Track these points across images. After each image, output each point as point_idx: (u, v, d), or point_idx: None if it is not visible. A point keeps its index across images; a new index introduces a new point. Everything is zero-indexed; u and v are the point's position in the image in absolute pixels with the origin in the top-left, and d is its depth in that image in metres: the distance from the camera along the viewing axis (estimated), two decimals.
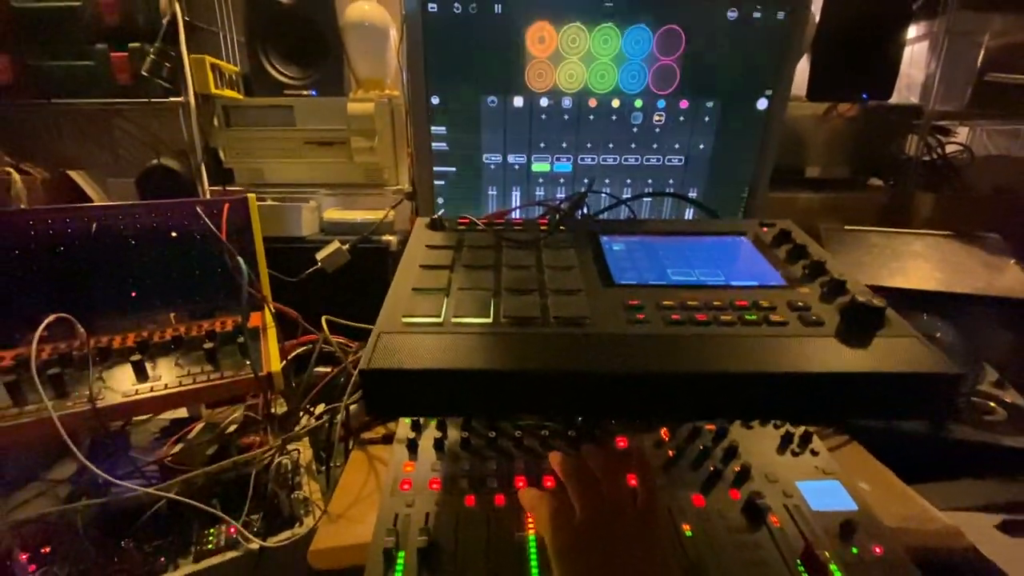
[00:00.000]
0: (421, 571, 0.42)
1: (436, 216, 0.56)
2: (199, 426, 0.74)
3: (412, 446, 0.55)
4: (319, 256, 0.97)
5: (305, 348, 0.76)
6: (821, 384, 0.37)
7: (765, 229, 0.57)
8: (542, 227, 0.57)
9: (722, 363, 0.37)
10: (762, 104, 0.68)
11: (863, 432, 0.69)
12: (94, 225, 0.69)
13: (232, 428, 0.73)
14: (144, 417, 0.76)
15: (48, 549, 0.55)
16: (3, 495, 0.62)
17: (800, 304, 0.43)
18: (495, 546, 0.44)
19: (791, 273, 0.49)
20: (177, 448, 0.69)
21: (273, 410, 0.74)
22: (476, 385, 0.37)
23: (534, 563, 0.43)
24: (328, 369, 0.75)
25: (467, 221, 0.57)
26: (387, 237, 1.08)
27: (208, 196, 1.12)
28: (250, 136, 1.10)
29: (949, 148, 1.36)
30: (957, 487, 0.65)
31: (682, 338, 0.39)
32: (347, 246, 0.97)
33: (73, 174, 1.21)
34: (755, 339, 0.39)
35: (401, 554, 0.43)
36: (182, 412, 0.78)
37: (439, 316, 0.41)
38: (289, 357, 0.74)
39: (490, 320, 0.41)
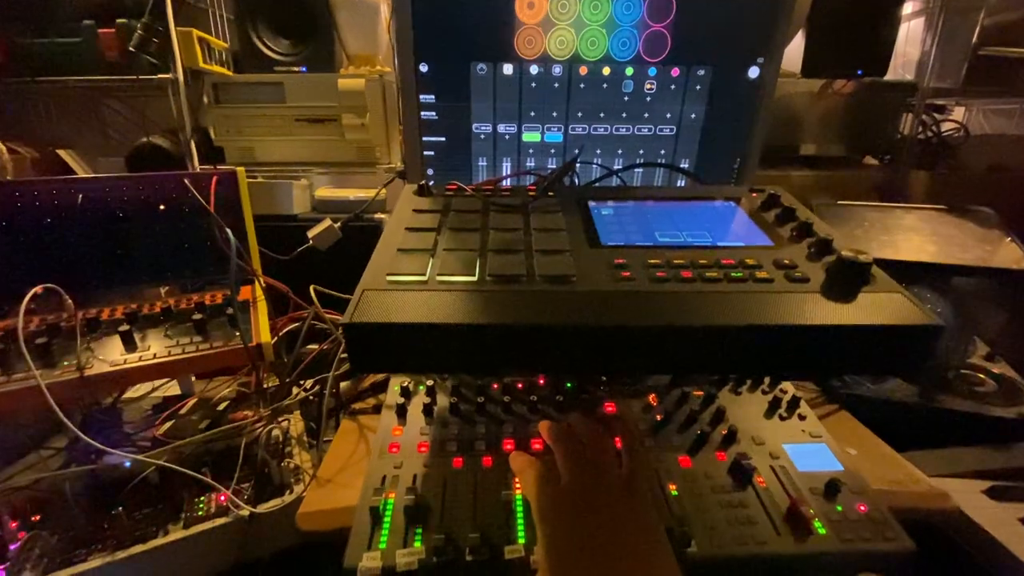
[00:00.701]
0: (408, 528, 0.43)
1: (423, 183, 0.56)
2: (191, 402, 0.74)
3: (401, 411, 0.55)
4: (311, 233, 0.96)
5: (297, 325, 0.75)
6: (806, 337, 0.37)
7: (755, 195, 0.56)
8: (531, 193, 0.56)
9: (707, 317, 0.37)
10: (754, 72, 0.68)
11: (853, 401, 0.70)
12: (80, 197, 0.68)
13: (224, 404, 0.73)
14: (137, 394, 0.76)
15: (38, 517, 0.55)
16: None
17: (786, 262, 0.43)
18: (482, 504, 0.45)
19: (779, 235, 0.49)
20: (169, 423, 0.69)
21: (265, 385, 0.74)
22: (460, 340, 0.37)
23: (520, 520, 0.43)
24: (317, 346, 0.75)
25: (455, 187, 0.56)
26: (379, 215, 1.07)
27: None
28: (240, 113, 1.09)
29: (945, 127, 1.36)
30: (946, 454, 0.66)
31: (667, 294, 0.39)
32: (339, 224, 0.97)
33: (62, 153, 1.20)
34: (740, 295, 0.39)
35: (388, 511, 0.44)
36: (175, 388, 0.78)
37: (424, 275, 0.41)
38: (280, 333, 0.74)
39: (475, 278, 0.41)
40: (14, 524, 0.53)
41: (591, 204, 0.53)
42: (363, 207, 1.04)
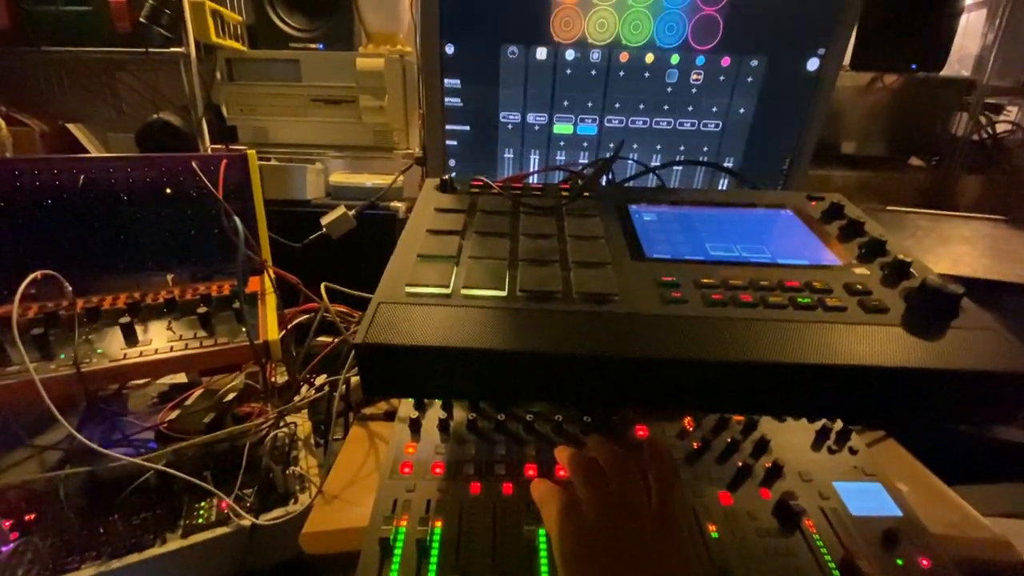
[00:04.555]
0: (420, 563, 0.39)
1: (446, 177, 0.51)
2: (197, 392, 0.71)
3: (415, 426, 0.51)
4: (324, 221, 0.92)
5: (307, 317, 0.72)
6: (887, 381, 0.32)
7: (814, 203, 0.51)
8: (564, 192, 0.51)
9: (772, 352, 0.32)
10: (813, 64, 0.61)
11: (899, 429, 0.65)
12: (82, 178, 0.64)
13: (231, 396, 0.70)
14: (142, 381, 0.74)
15: (33, 516, 0.52)
16: None
17: (859, 287, 0.38)
18: (501, 539, 0.41)
19: (845, 253, 0.43)
20: (173, 415, 0.66)
21: (274, 380, 0.70)
22: (486, 366, 0.33)
23: (543, 560, 0.39)
24: (330, 339, 0.71)
25: (481, 183, 0.51)
26: (396, 204, 1.03)
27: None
28: (254, 91, 1.05)
29: (999, 127, 1.27)
30: (1001, 491, 0.61)
31: (725, 321, 0.34)
32: (353, 212, 0.93)
33: (72, 127, 1.16)
34: (809, 325, 0.34)
35: (399, 543, 0.40)
36: (181, 378, 0.75)
37: (447, 287, 0.36)
38: (290, 326, 0.70)
39: (505, 293, 0.36)
40: (8, 523, 0.50)
41: (632, 208, 0.48)
42: (379, 194, 1.00)
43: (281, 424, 0.63)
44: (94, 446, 0.51)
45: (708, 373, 0.32)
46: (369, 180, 1.04)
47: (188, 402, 0.69)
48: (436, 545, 0.40)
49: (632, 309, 0.35)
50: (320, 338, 0.71)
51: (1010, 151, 1.23)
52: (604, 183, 0.58)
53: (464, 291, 0.36)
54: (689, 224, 0.46)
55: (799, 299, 0.36)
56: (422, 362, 0.33)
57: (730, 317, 0.35)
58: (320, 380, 0.71)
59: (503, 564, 0.39)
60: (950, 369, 0.32)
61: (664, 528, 0.35)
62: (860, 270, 0.41)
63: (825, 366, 0.31)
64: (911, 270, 0.40)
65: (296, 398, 0.68)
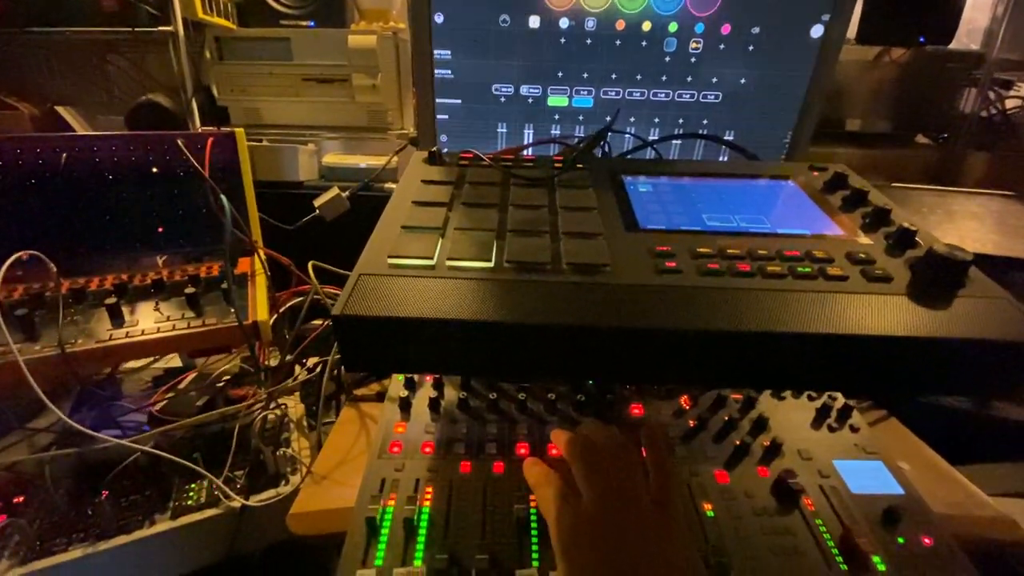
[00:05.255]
0: (408, 542, 0.38)
1: (435, 149, 0.49)
2: (191, 376, 0.70)
3: (405, 405, 0.50)
4: (317, 203, 0.90)
5: (300, 299, 0.70)
6: (892, 350, 0.31)
7: (816, 173, 0.49)
8: (557, 164, 0.50)
9: (770, 321, 0.30)
10: (817, 31, 0.59)
11: (900, 407, 0.63)
12: (65, 156, 0.62)
13: (224, 379, 0.69)
14: (136, 365, 0.73)
15: (22, 499, 0.51)
16: None
17: (862, 256, 0.36)
18: (491, 518, 0.40)
19: (848, 223, 0.41)
20: (166, 398, 0.65)
21: (267, 362, 0.70)
22: (471, 339, 0.31)
23: (535, 540, 0.38)
24: (324, 321, 0.70)
25: (471, 156, 0.50)
26: (390, 185, 1.01)
27: None
28: (244, 71, 1.03)
29: (1008, 103, 1.23)
30: (1004, 470, 0.59)
31: (721, 291, 0.33)
32: (347, 193, 0.91)
33: (62, 110, 1.14)
34: (810, 295, 0.33)
35: (386, 522, 0.39)
36: (176, 360, 0.74)
37: (431, 258, 0.35)
38: (282, 309, 0.69)
39: (491, 264, 0.35)
40: None
41: (626, 179, 0.46)
42: (373, 176, 0.98)
43: (272, 406, 0.62)
44: (81, 428, 0.50)
45: (704, 344, 0.31)
46: (363, 161, 1.03)
47: (181, 385, 0.68)
48: (424, 524, 0.39)
49: (624, 280, 0.34)
50: (314, 321, 0.70)
51: (1019, 127, 1.20)
52: (600, 157, 0.56)
53: (449, 262, 0.35)
54: (686, 195, 0.44)
55: (799, 268, 0.35)
56: (403, 334, 0.31)
57: (726, 287, 0.33)
58: (312, 362, 0.71)
59: (492, 543, 0.38)
60: (957, 338, 0.30)
61: (663, 512, 0.34)
62: (863, 239, 0.39)
63: (826, 335, 0.30)
64: (916, 239, 0.38)
65: (289, 381, 0.67)
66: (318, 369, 0.66)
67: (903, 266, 0.36)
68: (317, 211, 0.91)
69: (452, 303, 0.31)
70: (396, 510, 0.39)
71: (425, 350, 0.32)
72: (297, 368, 0.70)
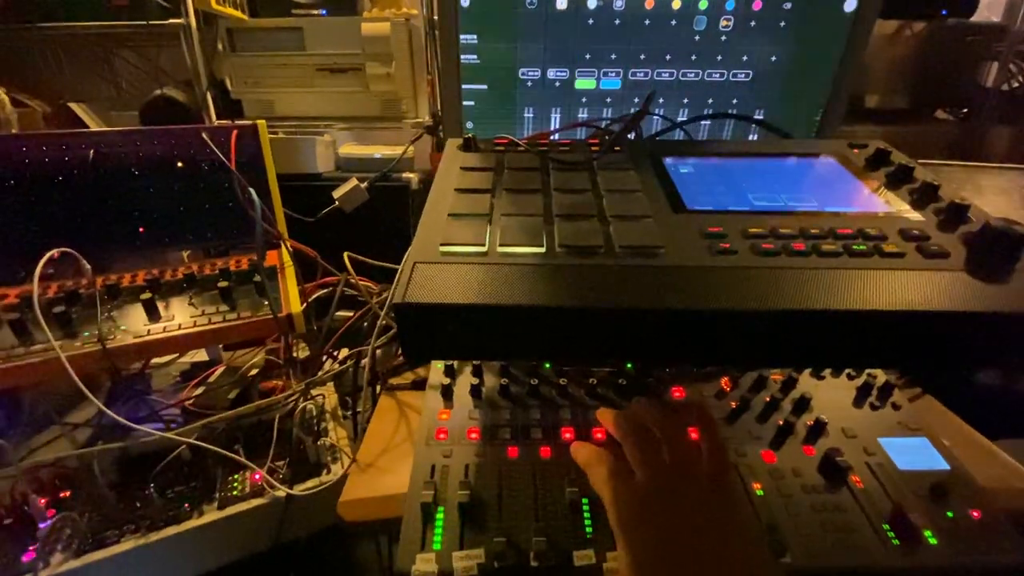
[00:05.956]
0: (464, 527, 0.38)
1: (469, 136, 0.49)
2: (220, 369, 0.71)
3: (447, 393, 0.50)
4: (336, 194, 0.90)
5: (326, 291, 0.71)
6: (953, 326, 0.30)
7: (856, 151, 0.48)
8: (593, 148, 0.49)
9: (832, 300, 0.30)
10: (851, 5, 0.58)
11: (935, 384, 0.63)
12: (91, 152, 0.62)
13: (254, 372, 0.70)
14: (164, 360, 0.73)
15: (68, 493, 0.52)
16: (21, 438, 0.60)
17: (916, 232, 0.36)
18: (544, 501, 0.40)
19: (896, 199, 0.41)
20: (198, 392, 0.66)
21: (295, 354, 0.70)
22: (530, 324, 0.31)
23: (587, 522, 0.39)
24: (349, 313, 0.70)
25: (506, 141, 0.49)
26: (407, 174, 1.01)
27: None
28: (257, 63, 1.02)
29: None
30: None
31: (779, 271, 0.32)
32: (365, 184, 0.90)
33: (75, 107, 1.14)
34: (867, 272, 0.32)
35: (441, 509, 0.39)
36: (202, 355, 0.75)
37: (483, 244, 0.35)
38: (310, 300, 0.69)
39: (543, 250, 0.35)
40: (43, 501, 0.51)
41: (667, 161, 0.46)
42: (390, 165, 0.98)
43: (308, 396, 0.62)
44: (126, 422, 0.51)
45: (765, 324, 0.31)
46: (379, 151, 1.02)
47: (211, 379, 0.69)
48: (479, 509, 0.39)
49: (679, 261, 0.34)
50: (339, 313, 0.70)
51: None
52: (632, 138, 0.56)
53: (501, 249, 0.35)
54: (728, 175, 0.44)
55: (854, 246, 0.34)
56: (463, 321, 0.31)
57: (783, 266, 0.33)
58: (343, 353, 0.71)
59: (547, 526, 0.38)
60: (1020, 312, 0.30)
61: (720, 489, 0.34)
62: (914, 216, 0.38)
63: (889, 311, 0.30)
64: (968, 215, 0.38)
65: (320, 372, 0.67)
66: (350, 361, 0.67)
67: (958, 241, 0.35)
68: (336, 202, 0.91)
69: (510, 289, 0.31)
70: (450, 495, 0.40)
71: (484, 336, 0.32)
72: (327, 360, 0.71)
